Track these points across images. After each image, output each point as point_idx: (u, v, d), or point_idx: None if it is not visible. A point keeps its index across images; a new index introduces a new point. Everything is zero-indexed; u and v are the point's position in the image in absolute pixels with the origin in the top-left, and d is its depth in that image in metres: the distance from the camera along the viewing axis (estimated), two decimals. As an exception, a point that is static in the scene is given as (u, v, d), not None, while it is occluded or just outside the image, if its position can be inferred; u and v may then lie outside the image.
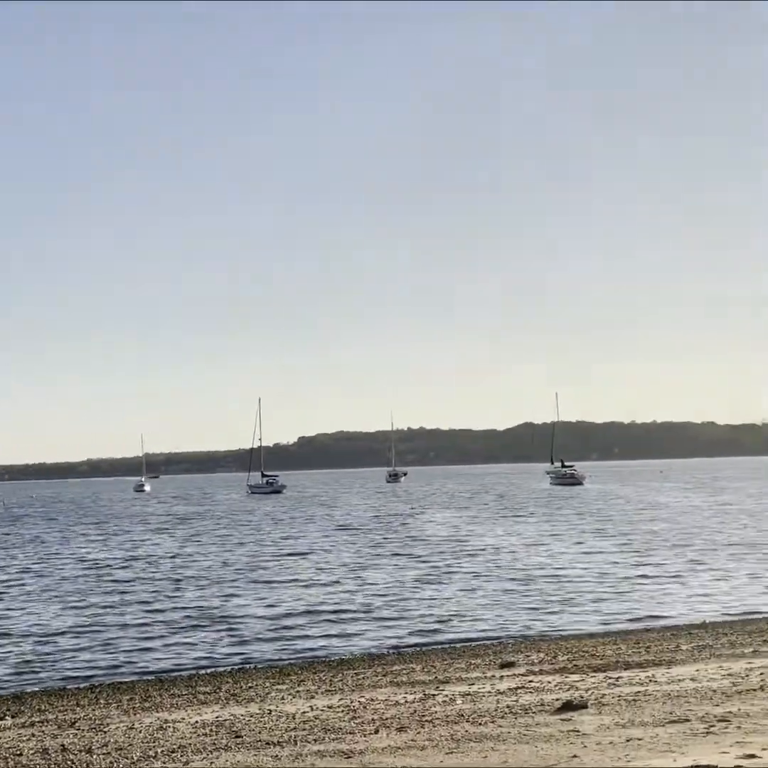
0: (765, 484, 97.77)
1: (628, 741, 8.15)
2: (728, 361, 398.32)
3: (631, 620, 20.54)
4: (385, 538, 43.85)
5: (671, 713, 9.39)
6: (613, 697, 10.53)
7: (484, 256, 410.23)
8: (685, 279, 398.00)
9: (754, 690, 10.49)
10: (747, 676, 11.54)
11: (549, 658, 15.00)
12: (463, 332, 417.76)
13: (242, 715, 10.97)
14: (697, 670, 12.32)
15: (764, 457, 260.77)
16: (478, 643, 18.45)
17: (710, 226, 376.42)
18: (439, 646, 18.29)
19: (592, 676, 12.42)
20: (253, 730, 9.97)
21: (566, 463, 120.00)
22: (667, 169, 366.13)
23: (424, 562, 32.90)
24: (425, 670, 14.57)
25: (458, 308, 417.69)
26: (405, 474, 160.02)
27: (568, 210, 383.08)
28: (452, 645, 18.39)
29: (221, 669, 16.70)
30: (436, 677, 13.59)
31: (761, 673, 11.61)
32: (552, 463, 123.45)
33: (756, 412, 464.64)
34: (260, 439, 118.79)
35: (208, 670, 16.59)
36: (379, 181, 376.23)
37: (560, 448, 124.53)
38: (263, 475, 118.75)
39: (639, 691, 10.89)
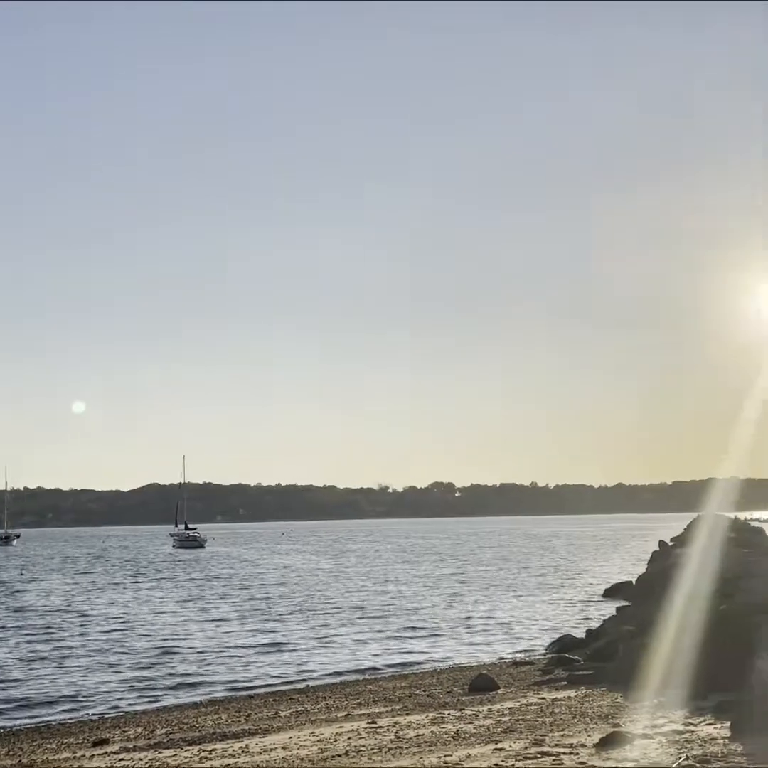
0: (380, 546, 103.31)
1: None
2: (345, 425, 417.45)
3: (234, 688, 20.46)
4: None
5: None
6: (202, 773, 10.36)
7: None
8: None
9: (340, 756, 10.79)
10: (335, 741, 11.87)
11: (147, 732, 14.52)
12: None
13: None
14: (290, 738, 12.49)
15: (379, 519, 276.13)
16: (76, 719, 17.47)
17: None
18: (33, 726, 17.06)
19: (185, 750, 12.16)
20: None
21: (190, 526, 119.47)
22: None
23: (27, 634, 30.73)
24: (10, 753, 13.49)
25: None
26: (18, 536, 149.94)
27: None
28: (47, 724, 17.23)
29: None
30: (20, 761, 12.62)
31: (349, 738, 12.00)
32: (176, 526, 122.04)
33: (370, 477, 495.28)
34: None
35: None
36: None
37: (186, 510, 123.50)
38: None
39: (229, 764, 10.80)
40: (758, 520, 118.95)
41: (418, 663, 23.14)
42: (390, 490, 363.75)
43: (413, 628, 29.88)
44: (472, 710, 14.00)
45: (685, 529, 46.91)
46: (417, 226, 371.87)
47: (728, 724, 10.55)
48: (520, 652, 24.42)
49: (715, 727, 10.84)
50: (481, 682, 17.03)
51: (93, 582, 56.51)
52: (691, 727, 11.03)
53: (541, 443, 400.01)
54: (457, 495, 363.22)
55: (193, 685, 20.90)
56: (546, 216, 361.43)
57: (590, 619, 30.54)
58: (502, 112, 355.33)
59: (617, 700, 14.17)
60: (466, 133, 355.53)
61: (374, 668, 22.45)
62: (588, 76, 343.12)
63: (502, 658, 23.31)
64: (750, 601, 15.10)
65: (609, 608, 31.39)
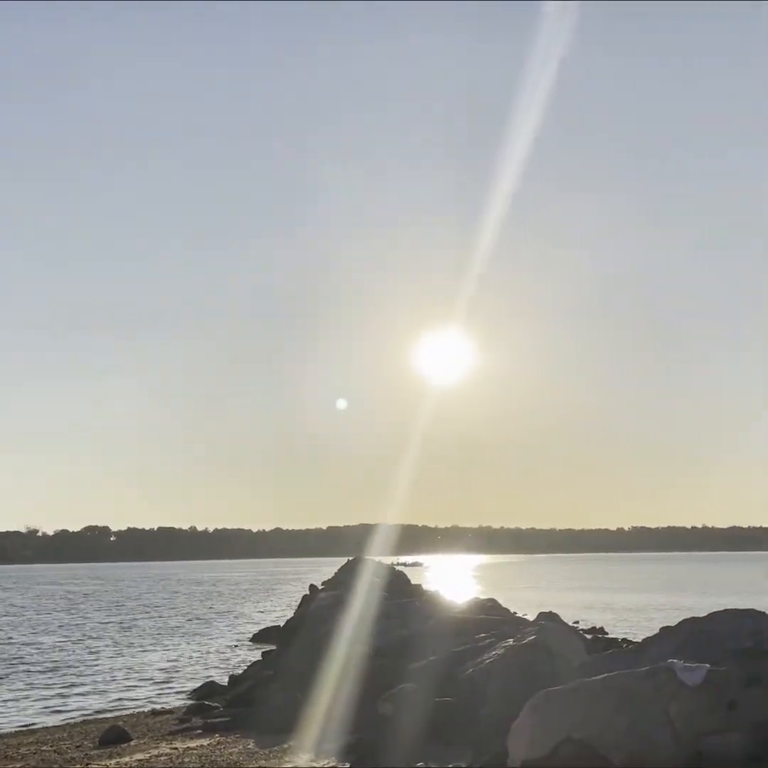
0: (25, 593, 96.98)
1: None
2: None
3: None
4: None
5: None
6: None
7: None
8: None
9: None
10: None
11: None
12: None
13: None
14: None
15: (27, 565, 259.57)
16: None
17: None
18: None
19: None
20: None
21: None
22: None
23: None
24: None
25: None
26: None
27: None
28: None
29: None
30: None
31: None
32: None
33: (17, 519, 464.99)
34: None
35: None
36: None
37: None
38: None
39: None
40: (404, 563, 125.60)
41: (60, 713, 21.72)
42: (39, 534, 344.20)
43: (55, 678, 28.12)
44: (98, 764, 13.34)
45: (336, 573, 48.37)
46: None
47: (348, 765, 10.84)
48: (163, 700, 23.72)
49: (336, 768, 11.09)
50: (113, 735, 16.31)
51: None
52: (316, 770, 11.20)
53: (201, 486, 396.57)
54: (112, 539, 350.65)
55: None
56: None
57: (237, 664, 30.41)
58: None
59: (249, 747, 14.13)
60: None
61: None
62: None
63: (140, 709, 22.51)
64: (379, 645, 15.73)
65: (256, 653, 31.46)
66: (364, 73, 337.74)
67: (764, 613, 11.68)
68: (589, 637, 34.75)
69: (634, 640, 26.73)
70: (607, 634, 37.44)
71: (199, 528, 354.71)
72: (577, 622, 42.24)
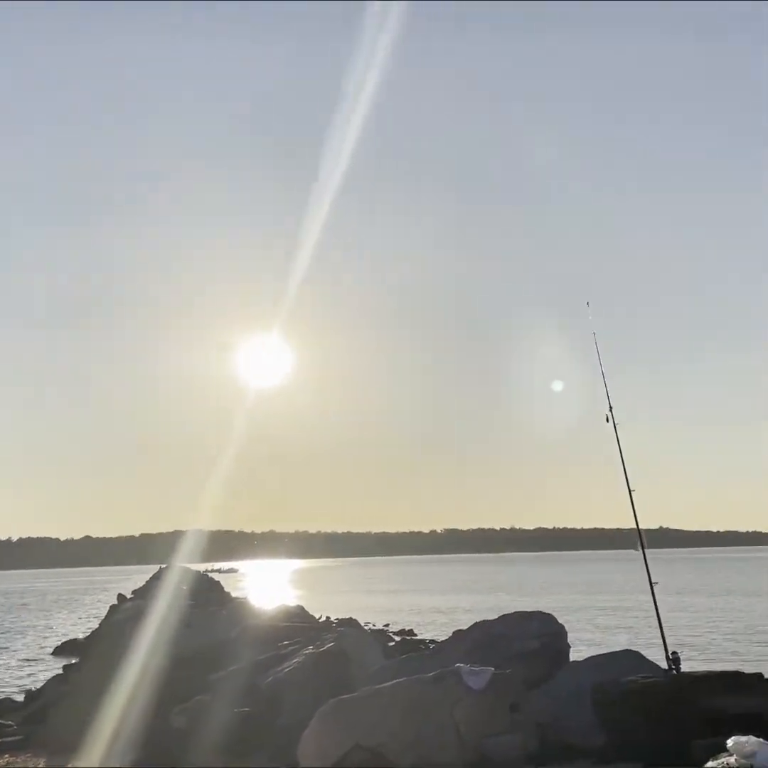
0: None
1: None
2: None
3: None
4: None
5: None
6: None
7: None
8: None
9: None
10: None
11: None
12: None
13: None
14: None
15: None
16: None
17: None
18: None
19: None
20: None
21: None
22: None
23: None
24: None
25: None
26: None
27: None
28: None
29: None
30: None
31: None
32: None
33: None
34: None
35: None
36: None
37: None
38: None
39: None
40: (219, 570, 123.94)
41: None
42: None
43: None
44: None
45: (146, 582, 47.19)
46: None
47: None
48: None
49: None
50: None
51: None
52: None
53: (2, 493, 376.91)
54: None
55: None
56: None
57: (36, 680, 29.10)
58: None
59: (39, 766, 13.54)
60: None
61: None
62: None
63: None
64: (179, 655, 15.43)
65: (57, 667, 30.22)
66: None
67: (550, 615, 12.18)
68: (398, 639, 35.42)
69: (440, 641, 27.38)
70: (416, 635, 38.22)
71: (2, 537, 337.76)
72: (387, 625, 42.90)
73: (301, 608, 28.06)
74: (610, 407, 10.60)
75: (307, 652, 13.91)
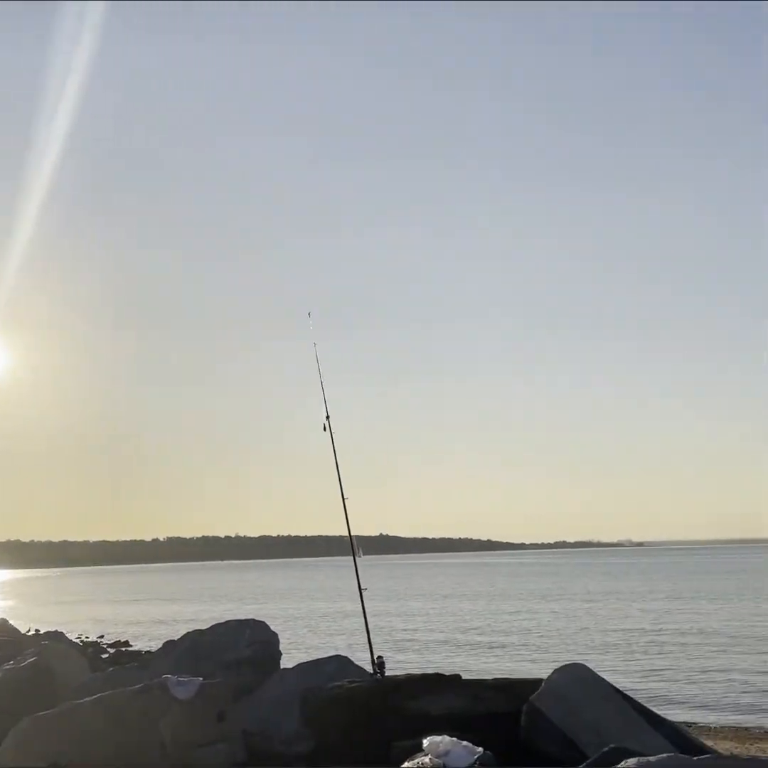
0: None
1: None
2: None
3: None
4: None
5: None
6: None
7: None
8: None
9: None
10: None
11: None
12: None
13: None
14: None
15: None
16: None
17: None
18: None
19: None
20: None
21: None
22: None
23: None
24: None
25: None
26: None
27: None
28: None
29: None
30: None
31: None
32: None
33: None
34: None
35: None
36: None
37: None
38: None
39: None
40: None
41: None
42: None
43: None
44: None
45: None
46: None
47: None
48: None
49: None
50: None
51: None
52: None
53: None
54: None
55: None
56: None
57: None
58: None
59: None
60: None
61: None
62: None
63: None
64: None
65: None
66: None
67: (263, 622, 12.17)
68: (112, 651, 34.16)
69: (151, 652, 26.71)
70: (131, 647, 37.09)
71: None
72: (101, 637, 41.39)
73: (4, 621, 26.40)
74: (328, 416, 10.79)
75: (6, 667, 13.08)
